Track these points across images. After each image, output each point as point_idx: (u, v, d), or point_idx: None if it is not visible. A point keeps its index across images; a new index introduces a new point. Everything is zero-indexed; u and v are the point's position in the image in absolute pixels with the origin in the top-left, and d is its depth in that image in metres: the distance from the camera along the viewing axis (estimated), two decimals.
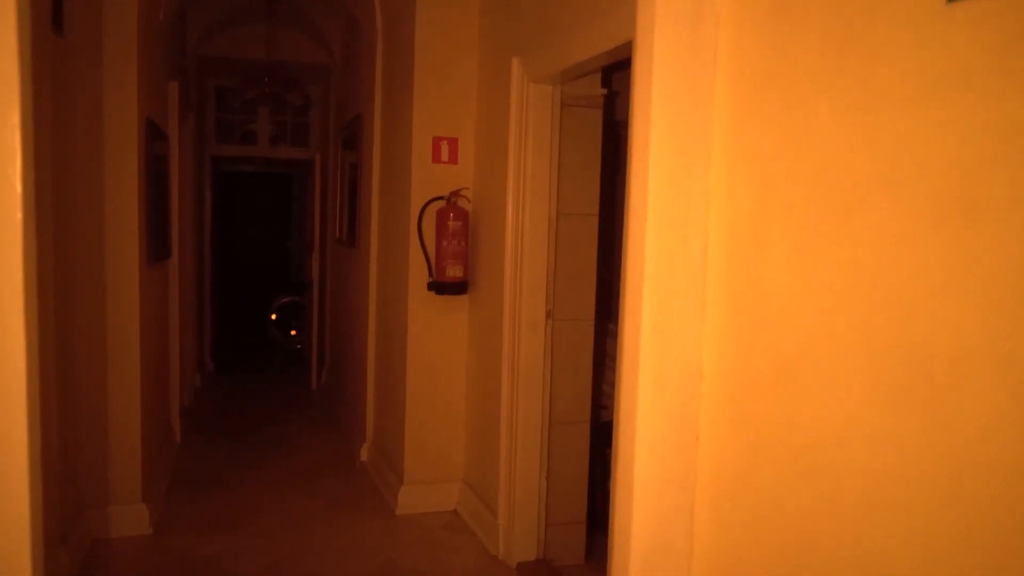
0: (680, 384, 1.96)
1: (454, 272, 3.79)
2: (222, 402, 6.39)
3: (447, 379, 3.94)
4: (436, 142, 3.85)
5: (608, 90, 3.31)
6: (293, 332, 8.75)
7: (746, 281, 1.82)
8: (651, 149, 1.84)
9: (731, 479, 1.90)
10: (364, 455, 4.72)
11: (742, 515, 1.86)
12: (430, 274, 3.84)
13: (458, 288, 3.83)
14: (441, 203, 3.83)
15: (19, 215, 1.14)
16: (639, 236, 1.93)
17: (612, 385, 4.27)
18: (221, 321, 9.60)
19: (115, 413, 3.55)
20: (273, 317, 9.01)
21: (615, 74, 3.51)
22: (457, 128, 3.85)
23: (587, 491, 3.48)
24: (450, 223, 3.76)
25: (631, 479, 1.96)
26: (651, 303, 1.90)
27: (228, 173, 10.10)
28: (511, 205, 3.30)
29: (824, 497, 1.59)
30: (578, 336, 3.39)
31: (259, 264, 11.30)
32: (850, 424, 1.53)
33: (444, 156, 3.88)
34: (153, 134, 3.92)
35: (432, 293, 3.85)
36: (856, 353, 1.52)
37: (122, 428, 3.57)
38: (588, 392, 3.43)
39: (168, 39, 4.58)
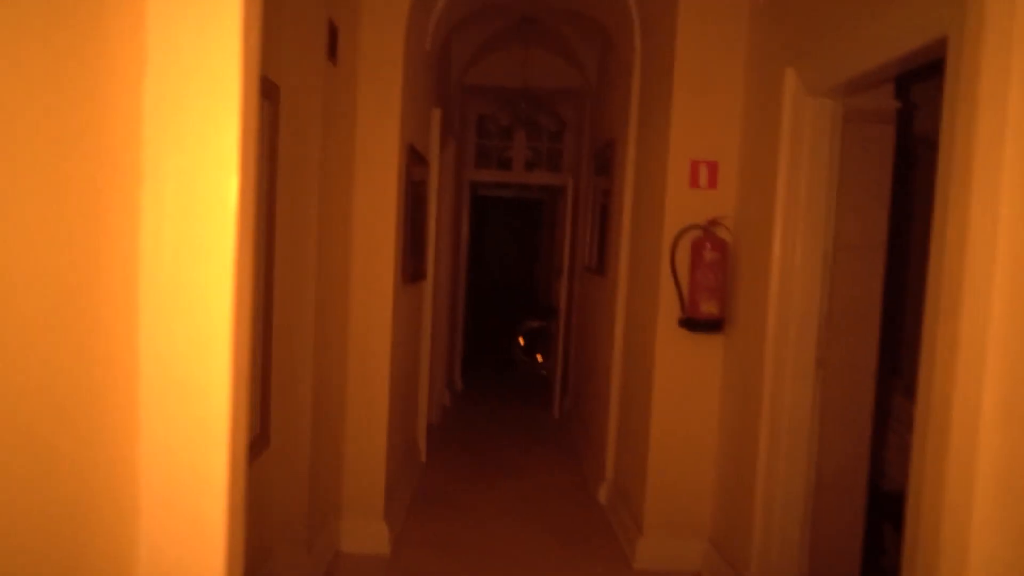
0: None
1: (708, 308, 3.45)
2: (467, 423, 6.50)
3: (696, 425, 3.59)
4: (694, 165, 3.55)
5: (904, 103, 2.81)
6: (539, 358, 8.79)
7: None
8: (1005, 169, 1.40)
9: None
10: (602, 494, 4.48)
11: None
12: (682, 309, 3.53)
13: (712, 326, 3.48)
14: (697, 232, 3.51)
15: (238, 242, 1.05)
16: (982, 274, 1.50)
17: (898, 450, 3.65)
18: (471, 342, 9.92)
19: (363, 430, 3.64)
20: (520, 341, 9.14)
21: (913, 86, 2.98)
22: (718, 150, 3.52)
23: (859, 570, 2.96)
24: (706, 254, 3.43)
25: None
26: (998, 367, 1.46)
27: (483, 197, 10.47)
28: (779, 235, 2.91)
29: None
30: (855, 389, 2.90)
31: (507, 287, 11.59)
32: None
33: (702, 181, 3.56)
34: (414, 159, 4.02)
35: (683, 330, 3.54)
36: None
37: (368, 445, 3.64)
38: (865, 456, 2.92)
39: (433, 67, 4.72)
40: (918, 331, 1.83)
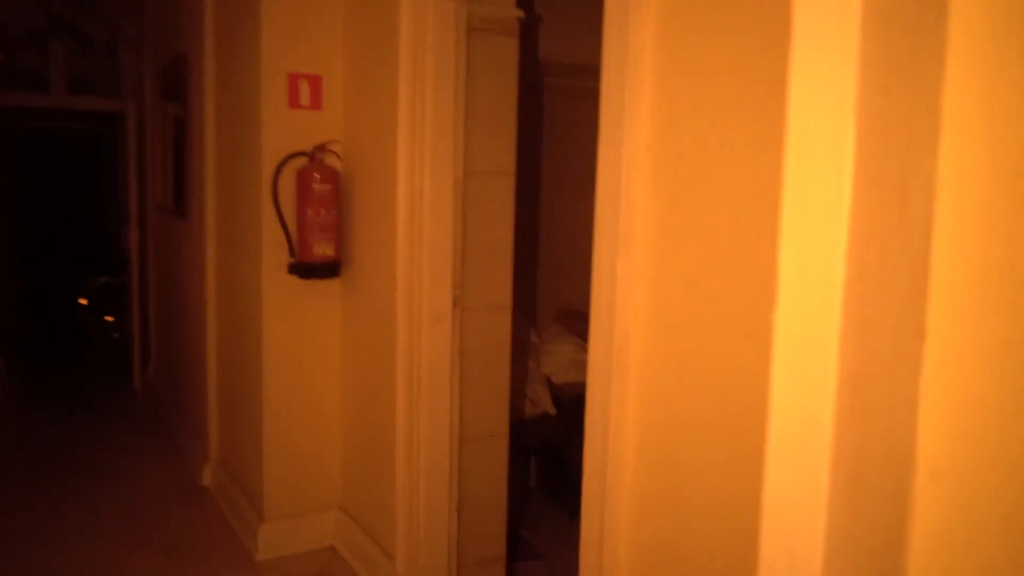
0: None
1: (323, 249, 2.95)
2: (15, 415, 5.14)
3: (316, 384, 3.11)
4: (293, 81, 2.97)
5: (527, 13, 2.58)
6: (110, 319, 7.42)
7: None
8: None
9: None
10: (207, 478, 3.78)
11: None
12: (291, 253, 2.98)
13: (329, 270, 3.00)
14: (303, 161, 2.97)
15: None
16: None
17: (539, 384, 3.60)
18: (18, 310, 8.06)
19: None
20: (83, 302, 7.64)
21: None
22: (321, 62, 2.99)
23: (506, 520, 2.81)
24: (316, 187, 2.91)
25: None
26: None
27: (22, 132, 8.45)
28: (403, 161, 2.52)
29: None
30: (494, 329, 2.68)
31: (69, 240, 9.65)
32: None
33: (304, 99, 3.00)
34: None
35: (294, 277, 3.00)
36: None
37: None
38: (506, 399, 2.73)
39: None
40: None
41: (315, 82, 2.99)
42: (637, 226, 1.58)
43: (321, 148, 2.97)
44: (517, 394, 3.26)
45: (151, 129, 5.18)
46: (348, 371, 3.07)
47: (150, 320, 5.62)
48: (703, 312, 1.45)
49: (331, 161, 3.00)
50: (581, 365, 3.68)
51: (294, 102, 2.99)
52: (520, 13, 2.57)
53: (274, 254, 2.99)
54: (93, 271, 7.71)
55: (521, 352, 3.38)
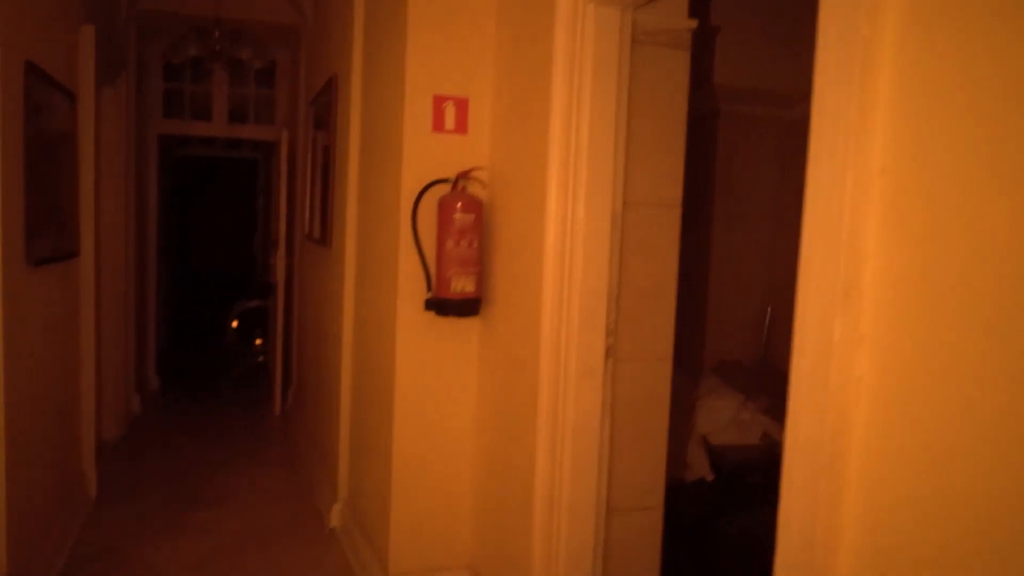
0: None
1: (462, 285, 2.70)
2: (163, 433, 5.24)
3: (450, 432, 2.85)
4: (438, 103, 2.76)
5: (701, 22, 2.24)
6: (258, 341, 7.59)
7: None
8: None
9: None
10: (335, 519, 3.61)
11: None
12: (428, 287, 2.76)
13: (467, 307, 2.74)
14: (445, 189, 2.74)
15: None
16: None
17: (699, 444, 3.19)
18: (172, 330, 8.43)
19: None
20: (235, 324, 7.86)
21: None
22: (468, 83, 2.77)
23: None
24: (457, 216, 2.67)
25: None
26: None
27: (186, 159, 8.92)
28: (554, 189, 2.22)
29: None
30: (651, 384, 2.32)
31: (221, 264, 10.08)
32: None
33: (449, 123, 2.79)
34: (40, 83, 2.80)
35: (431, 313, 2.77)
36: None
37: None
38: (663, 466, 2.36)
39: None
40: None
41: (461, 104, 2.77)
42: (865, 276, 1.19)
43: (465, 175, 2.74)
44: (669, 456, 2.87)
45: (301, 157, 5.20)
46: (484, 420, 2.79)
47: (292, 348, 5.62)
48: (956, 389, 1.05)
49: (475, 190, 2.76)
50: (743, 425, 3.23)
51: (438, 126, 2.78)
52: (693, 23, 2.23)
53: (410, 288, 2.77)
54: (243, 295, 7.92)
55: (675, 408, 2.99)
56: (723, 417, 3.28)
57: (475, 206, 2.69)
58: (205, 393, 6.44)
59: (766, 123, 3.58)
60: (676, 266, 2.30)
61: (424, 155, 2.74)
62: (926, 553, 1.12)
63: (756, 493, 3.08)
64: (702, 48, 2.36)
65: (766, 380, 3.53)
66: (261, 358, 7.16)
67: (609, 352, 2.22)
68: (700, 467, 3.07)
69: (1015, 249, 0.98)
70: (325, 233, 4.19)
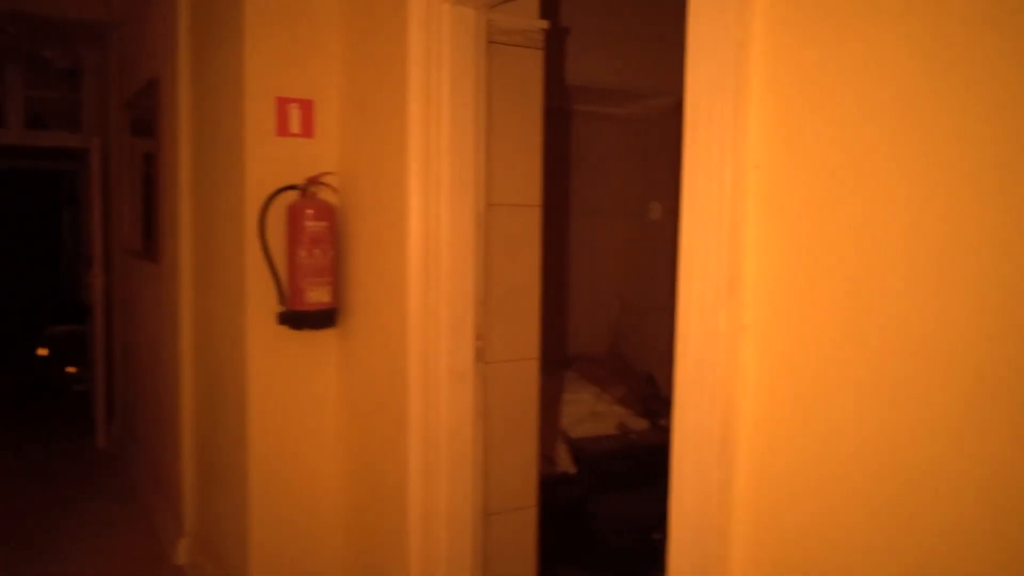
0: None
1: (317, 296, 2.59)
2: None
3: (312, 451, 2.72)
4: (281, 106, 2.63)
5: (552, 23, 2.27)
6: (71, 369, 6.92)
7: None
8: None
9: None
10: (182, 555, 3.35)
11: None
12: (280, 300, 2.61)
13: (324, 319, 2.63)
14: (293, 196, 2.61)
15: None
16: None
17: (560, 439, 3.23)
18: None
19: None
20: (43, 352, 7.14)
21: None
22: (313, 85, 2.65)
23: None
24: (308, 224, 2.56)
25: None
26: None
27: None
28: (415, 191, 2.17)
29: None
30: (520, 384, 2.32)
31: (26, 286, 9.11)
32: None
33: (294, 127, 2.66)
34: None
35: (284, 327, 2.63)
36: None
37: None
38: (535, 464, 2.37)
39: None
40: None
41: (306, 107, 2.65)
42: (747, 268, 1.25)
43: (315, 181, 2.62)
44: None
45: (118, 166, 4.80)
46: (350, 435, 2.69)
47: (116, 372, 5.17)
48: (836, 371, 1.12)
49: (326, 195, 2.65)
50: (600, 417, 3.33)
51: (283, 129, 2.64)
52: (545, 24, 2.26)
53: (260, 301, 2.62)
54: (54, 319, 7.22)
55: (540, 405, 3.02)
56: (581, 410, 3.35)
57: (327, 213, 2.58)
58: (15, 430, 5.78)
59: (616, 120, 3.71)
60: (539, 265, 2.31)
61: (269, 161, 2.60)
62: (812, 520, 1.18)
63: (617, 480, 3.18)
64: (554, 48, 2.39)
65: (618, 371, 3.65)
66: (78, 387, 6.54)
67: (479, 355, 2.20)
68: (563, 461, 3.12)
69: (879, 239, 1.05)
70: (152, 247, 3.89)
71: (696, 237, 1.31)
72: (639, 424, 3.37)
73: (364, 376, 2.55)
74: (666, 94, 3.60)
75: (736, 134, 1.24)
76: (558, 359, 3.62)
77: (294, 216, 2.56)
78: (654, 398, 3.53)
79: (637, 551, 3.06)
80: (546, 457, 3.19)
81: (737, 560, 1.30)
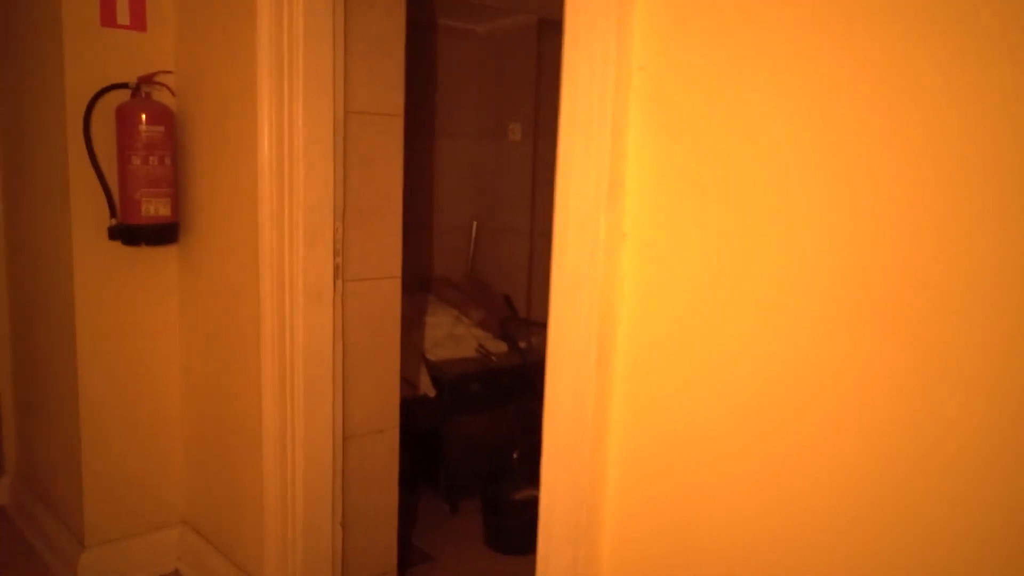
0: None
1: (155, 208, 2.35)
2: None
3: (151, 377, 2.52)
4: None
5: None
6: None
7: None
8: None
9: None
10: (3, 496, 3.05)
11: None
12: (112, 213, 2.36)
13: (163, 234, 2.40)
14: (124, 96, 2.34)
15: None
16: None
17: (419, 361, 3.15)
18: None
19: None
20: None
21: None
22: None
23: (397, 527, 2.39)
24: (142, 129, 2.30)
25: None
26: None
27: None
28: (267, 94, 1.98)
29: None
30: (381, 304, 2.23)
31: None
32: None
33: (123, 17, 2.36)
34: None
35: (118, 243, 2.38)
36: None
37: None
38: (396, 386, 2.30)
39: None
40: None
41: None
42: (629, 174, 1.21)
43: (148, 80, 2.35)
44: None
45: None
46: (192, 360, 2.50)
47: None
48: (714, 277, 1.12)
49: (162, 97, 2.39)
50: (459, 339, 3.30)
51: (108, 19, 2.34)
52: None
53: (88, 214, 2.35)
54: None
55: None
56: (440, 333, 3.31)
57: (165, 116, 2.33)
58: None
59: (476, 37, 3.57)
60: (401, 179, 2.20)
61: (92, 55, 2.30)
62: (685, 429, 1.19)
63: (476, 402, 3.19)
64: None
65: (477, 293, 3.62)
66: None
67: (337, 272, 2.09)
68: (423, 384, 3.08)
69: (769, 144, 1.04)
70: None
71: (576, 140, 1.26)
72: (498, 347, 3.37)
73: (212, 294, 2.37)
74: (528, 11, 3.51)
75: (620, 34, 1.18)
76: (419, 281, 3.54)
77: (125, 118, 2.30)
78: (512, 320, 3.53)
79: (496, 470, 3.10)
80: (406, 381, 3.13)
81: (612, 468, 1.31)
